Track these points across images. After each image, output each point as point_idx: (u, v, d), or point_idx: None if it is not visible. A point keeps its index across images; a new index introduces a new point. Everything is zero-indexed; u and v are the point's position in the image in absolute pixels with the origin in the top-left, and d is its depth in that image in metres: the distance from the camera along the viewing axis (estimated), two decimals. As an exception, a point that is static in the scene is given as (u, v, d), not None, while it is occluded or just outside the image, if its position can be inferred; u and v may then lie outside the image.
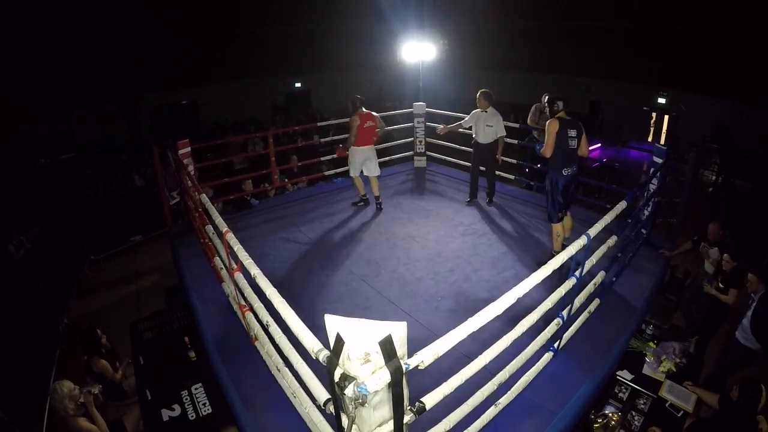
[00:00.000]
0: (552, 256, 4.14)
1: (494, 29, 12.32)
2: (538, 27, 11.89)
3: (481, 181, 5.44)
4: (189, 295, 3.79)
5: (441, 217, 5.12)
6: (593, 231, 2.53)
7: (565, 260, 2.30)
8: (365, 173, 5.13)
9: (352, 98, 4.90)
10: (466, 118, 5.18)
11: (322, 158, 6.35)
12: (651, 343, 3.28)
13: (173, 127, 10.83)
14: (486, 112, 4.91)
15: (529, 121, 5.70)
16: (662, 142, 11.20)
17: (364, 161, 5.03)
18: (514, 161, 5.81)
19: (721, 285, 3.68)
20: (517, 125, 5.96)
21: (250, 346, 2.98)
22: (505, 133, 5.04)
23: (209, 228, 3.31)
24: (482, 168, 5.28)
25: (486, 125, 4.92)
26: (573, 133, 3.62)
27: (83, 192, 7.41)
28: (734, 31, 8.70)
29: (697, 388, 2.94)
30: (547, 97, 3.77)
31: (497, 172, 5.46)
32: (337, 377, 1.39)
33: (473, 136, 5.15)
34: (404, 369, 1.42)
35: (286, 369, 2.30)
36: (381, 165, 5.48)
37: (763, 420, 2.59)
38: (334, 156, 5.49)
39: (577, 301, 2.78)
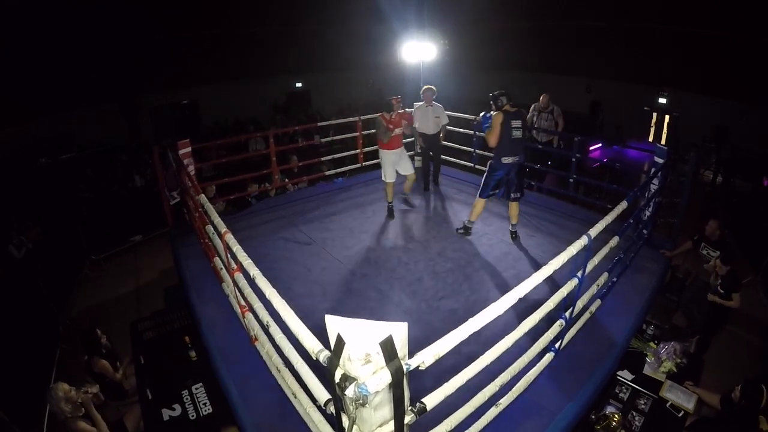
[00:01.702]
0: (465, 226, 4.42)
1: (494, 29, 12.30)
2: (538, 27, 11.88)
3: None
4: (189, 295, 3.79)
5: (441, 217, 5.12)
6: (594, 231, 2.52)
7: (565, 261, 2.29)
8: (401, 173, 5.09)
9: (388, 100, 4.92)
10: (415, 114, 5.50)
11: (322, 158, 6.34)
12: (652, 343, 3.28)
13: (173, 127, 10.80)
14: (431, 106, 5.37)
15: (527, 120, 5.72)
16: (663, 142, 11.18)
17: (397, 162, 5.00)
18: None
19: (721, 290, 3.67)
20: None
21: (250, 347, 2.98)
22: (448, 121, 5.59)
23: (209, 228, 3.31)
24: (431, 153, 5.72)
25: (434, 117, 5.40)
26: (518, 123, 3.94)
27: (84, 193, 7.40)
28: (734, 31, 8.68)
29: (697, 388, 2.94)
30: (491, 94, 4.02)
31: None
32: (337, 378, 1.39)
33: (420, 130, 5.53)
34: (405, 369, 1.42)
35: (287, 369, 2.30)
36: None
37: (764, 420, 2.59)
38: (335, 156, 5.51)
39: (580, 303, 2.77)
